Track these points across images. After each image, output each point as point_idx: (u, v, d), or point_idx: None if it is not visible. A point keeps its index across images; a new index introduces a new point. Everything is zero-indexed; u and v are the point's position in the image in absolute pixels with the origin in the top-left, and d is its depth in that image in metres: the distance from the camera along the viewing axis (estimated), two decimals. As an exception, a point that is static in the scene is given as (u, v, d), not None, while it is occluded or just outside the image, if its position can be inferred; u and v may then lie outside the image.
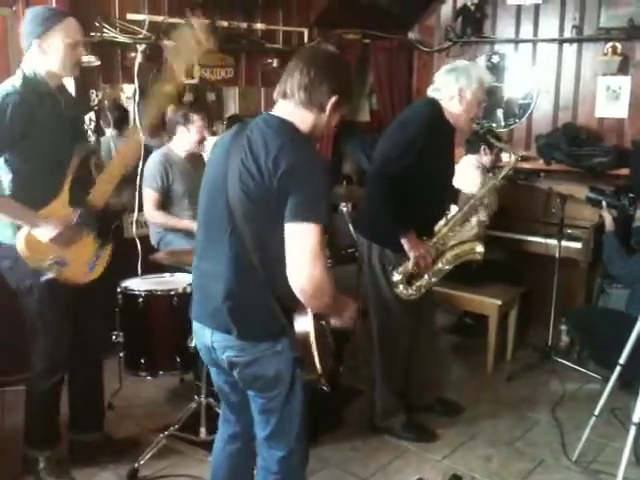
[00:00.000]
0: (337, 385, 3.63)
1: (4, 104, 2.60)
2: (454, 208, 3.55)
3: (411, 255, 3.14)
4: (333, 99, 2.03)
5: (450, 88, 3.13)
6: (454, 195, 3.55)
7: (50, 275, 2.75)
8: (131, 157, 3.03)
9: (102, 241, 2.94)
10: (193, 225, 3.72)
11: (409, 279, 3.22)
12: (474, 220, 3.41)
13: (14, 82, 2.69)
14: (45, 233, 2.70)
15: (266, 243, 1.97)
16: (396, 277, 3.19)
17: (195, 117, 3.91)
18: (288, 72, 2.06)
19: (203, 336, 2.16)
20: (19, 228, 2.72)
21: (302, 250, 1.90)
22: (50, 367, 2.91)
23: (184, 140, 3.96)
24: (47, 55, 2.70)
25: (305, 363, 2.03)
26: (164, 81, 3.03)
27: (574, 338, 4.45)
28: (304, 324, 2.00)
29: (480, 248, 3.28)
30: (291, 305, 2.00)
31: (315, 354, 2.00)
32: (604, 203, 4.04)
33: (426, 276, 3.23)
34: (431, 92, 3.21)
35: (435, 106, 3.17)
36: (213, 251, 2.07)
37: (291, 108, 2.04)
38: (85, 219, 2.82)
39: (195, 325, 2.22)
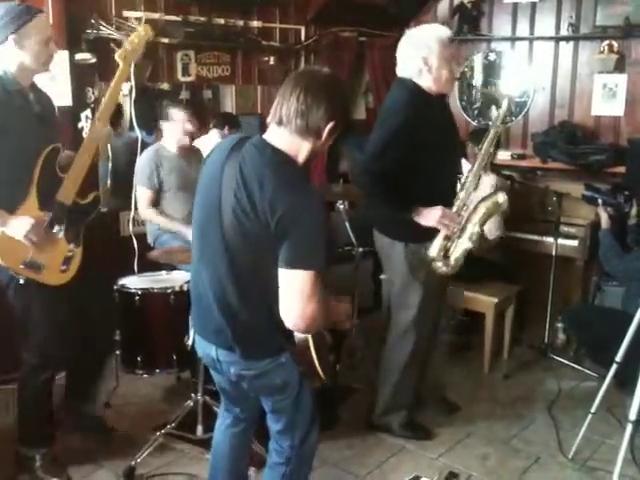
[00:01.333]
0: (336, 380, 3.64)
1: None
2: (465, 164, 3.49)
3: (434, 224, 3.02)
4: (330, 125, 1.96)
5: (414, 62, 3.03)
6: (462, 149, 3.45)
7: (22, 280, 2.75)
8: (94, 154, 2.95)
9: (71, 239, 2.91)
10: (184, 229, 3.74)
11: (445, 253, 3.12)
12: (488, 177, 3.27)
13: None
14: (18, 229, 2.68)
15: (261, 270, 1.97)
16: (432, 253, 3.09)
17: (174, 111, 3.90)
18: (283, 96, 1.96)
19: (207, 348, 2.17)
20: None
21: (295, 294, 1.90)
22: (41, 363, 2.91)
23: (170, 135, 3.96)
24: (23, 50, 2.69)
25: (308, 374, 2.09)
26: None
27: (570, 336, 4.46)
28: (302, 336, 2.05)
29: (502, 198, 3.13)
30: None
31: (316, 363, 2.05)
32: (600, 201, 4.05)
33: (459, 243, 3.10)
34: (400, 73, 3.13)
35: (407, 86, 3.08)
36: (210, 271, 2.06)
37: (286, 136, 1.97)
38: (55, 219, 2.81)
39: (198, 338, 2.23)
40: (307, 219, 1.88)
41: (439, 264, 3.11)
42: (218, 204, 1.98)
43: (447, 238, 3.09)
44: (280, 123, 1.97)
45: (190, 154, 4.02)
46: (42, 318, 2.86)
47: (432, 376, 3.67)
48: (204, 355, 2.23)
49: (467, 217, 3.12)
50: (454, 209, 3.09)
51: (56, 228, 2.84)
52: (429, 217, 3.02)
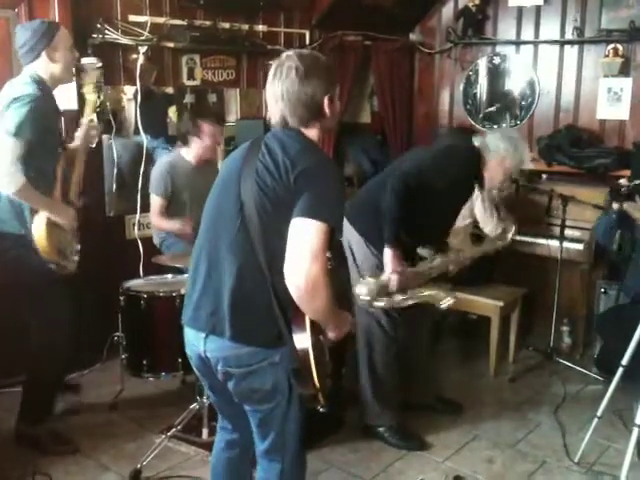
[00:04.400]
0: (339, 400, 3.58)
1: (36, 107, 2.85)
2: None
3: (387, 268, 3.03)
4: (326, 100, 2.03)
5: (497, 153, 3.30)
6: (444, 245, 3.50)
7: (53, 266, 2.97)
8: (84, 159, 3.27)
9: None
10: (186, 227, 3.76)
11: (379, 292, 2.96)
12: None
13: (30, 87, 2.90)
14: (65, 215, 2.99)
15: (272, 243, 1.93)
16: (359, 291, 2.90)
17: (205, 125, 3.94)
18: (273, 98, 2.03)
19: (195, 344, 2.10)
20: (34, 213, 2.91)
21: (303, 245, 1.85)
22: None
23: (197, 149, 3.97)
24: (56, 62, 2.98)
25: (302, 376, 1.97)
26: None
27: (575, 340, 4.45)
28: (302, 340, 1.95)
29: (444, 304, 2.91)
30: (290, 311, 1.95)
31: (313, 369, 1.94)
32: (638, 197, 3.94)
33: (386, 298, 2.96)
34: (478, 143, 3.34)
35: (477, 157, 3.31)
36: (217, 249, 2.03)
37: (297, 130, 2.05)
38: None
39: (187, 331, 2.14)
40: (325, 177, 1.95)
41: (364, 291, 2.92)
42: (237, 175, 2.02)
43: (386, 288, 2.98)
44: (286, 125, 2.05)
45: (206, 166, 4.04)
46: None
47: (424, 377, 3.67)
48: (192, 355, 2.14)
49: (414, 285, 3.05)
50: (414, 269, 3.14)
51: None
52: (394, 262, 3.02)
